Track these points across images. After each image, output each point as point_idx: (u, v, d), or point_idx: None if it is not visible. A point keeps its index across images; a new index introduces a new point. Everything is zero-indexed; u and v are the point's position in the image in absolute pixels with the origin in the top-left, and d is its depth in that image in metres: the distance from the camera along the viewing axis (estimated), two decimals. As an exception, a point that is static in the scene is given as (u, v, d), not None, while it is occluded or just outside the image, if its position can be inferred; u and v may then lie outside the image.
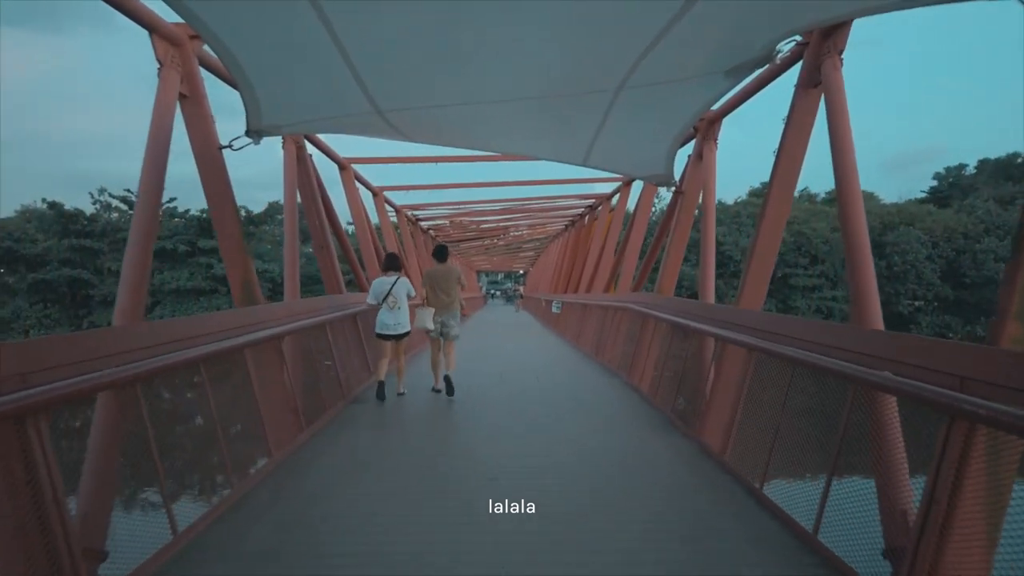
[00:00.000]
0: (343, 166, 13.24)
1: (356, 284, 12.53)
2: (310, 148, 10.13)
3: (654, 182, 9.14)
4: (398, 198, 19.97)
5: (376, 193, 17.23)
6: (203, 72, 6.44)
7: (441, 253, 8.51)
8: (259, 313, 5.91)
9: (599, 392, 8.80)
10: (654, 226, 17.86)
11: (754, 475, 4.72)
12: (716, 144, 9.00)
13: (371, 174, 16.47)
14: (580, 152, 8.53)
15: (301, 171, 9.18)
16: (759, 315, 5.57)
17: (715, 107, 8.50)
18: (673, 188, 9.29)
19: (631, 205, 17.11)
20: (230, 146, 6.16)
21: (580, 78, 6.06)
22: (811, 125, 6.24)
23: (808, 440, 4.28)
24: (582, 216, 24.37)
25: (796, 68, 7.37)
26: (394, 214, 20.81)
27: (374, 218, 18.07)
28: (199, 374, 4.42)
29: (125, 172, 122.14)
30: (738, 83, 6.26)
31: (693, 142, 9.45)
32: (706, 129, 9.04)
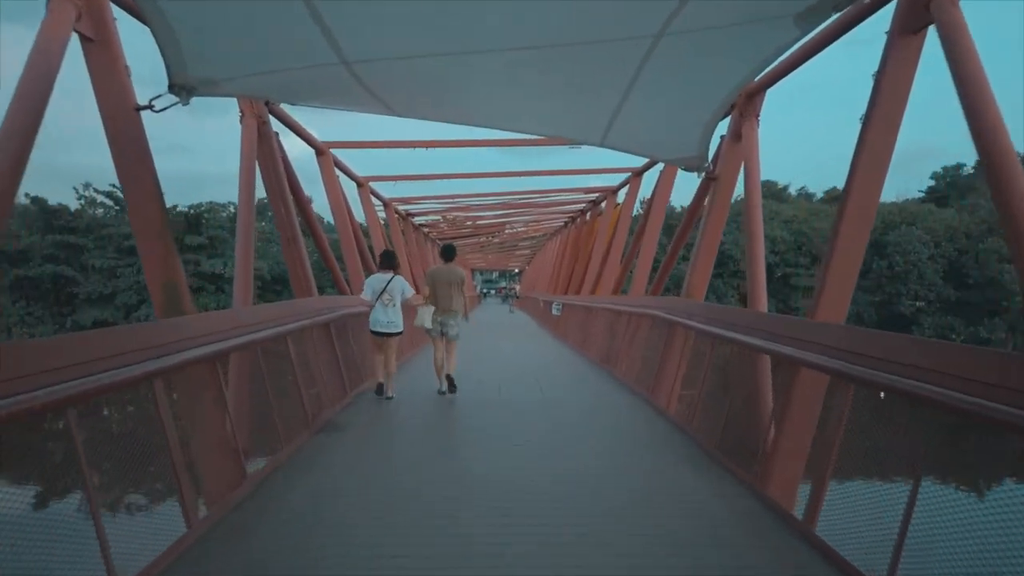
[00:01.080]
0: (321, 151, 11.73)
1: (335, 286, 11.10)
2: (278, 126, 8.66)
3: (683, 166, 7.72)
4: (386, 191, 18.52)
5: (361, 184, 15.67)
6: (119, 13, 4.97)
7: (448, 253, 8.39)
8: (186, 327, 4.45)
9: (616, 411, 7.40)
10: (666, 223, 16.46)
11: (870, 565, 3.31)
12: (758, 121, 7.59)
13: (356, 164, 15.04)
14: (598, 127, 7.10)
15: (264, 150, 7.71)
16: (849, 332, 4.16)
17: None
18: (703, 174, 7.87)
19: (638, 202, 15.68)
20: (150, 106, 4.70)
21: (609, 18, 4.63)
22: (911, 81, 4.83)
23: (974, 530, 2.87)
24: (583, 212, 22.95)
25: (857, 29, 6.01)
26: (382, 208, 19.31)
27: (359, 213, 16.65)
28: (65, 424, 2.97)
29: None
30: (808, 33, 4.86)
31: (727, 120, 8.04)
32: (744, 104, 7.63)
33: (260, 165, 7.84)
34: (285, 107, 8.54)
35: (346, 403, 7.67)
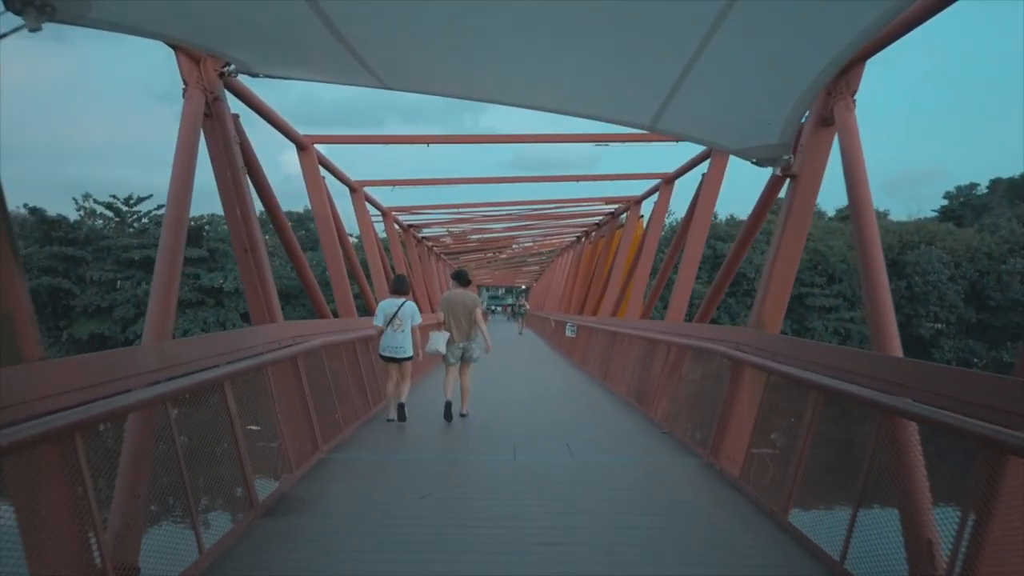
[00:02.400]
0: (302, 145, 9.98)
1: (315, 310, 9.35)
2: (239, 107, 6.93)
3: (755, 159, 5.98)
4: (384, 199, 16.81)
5: (354, 189, 13.88)
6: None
7: (461, 277, 8.36)
8: (17, 385, 2.71)
9: (681, 490, 5.49)
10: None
11: None
12: (854, 102, 5.85)
13: (349, 168, 13.36)
14: (651, 105, 5.37)
15: (215, 134, 5.99)
16: None
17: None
18: (778, 170, 6.15)
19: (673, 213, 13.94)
20: (-20, 35, 2.99)
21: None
22: None
23: None
24: (599, 226, 21.20)
25: None
26: (380, 217, 17.57)
27: (354, 227, 14.95)
28: None
29: (122, 180, 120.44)
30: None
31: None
32: (835, 81, 5.88)
33: (211, 154, 6.12)
34: (247, 83, 6.81)
35: (315, 462, 5.90)
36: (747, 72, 4.96)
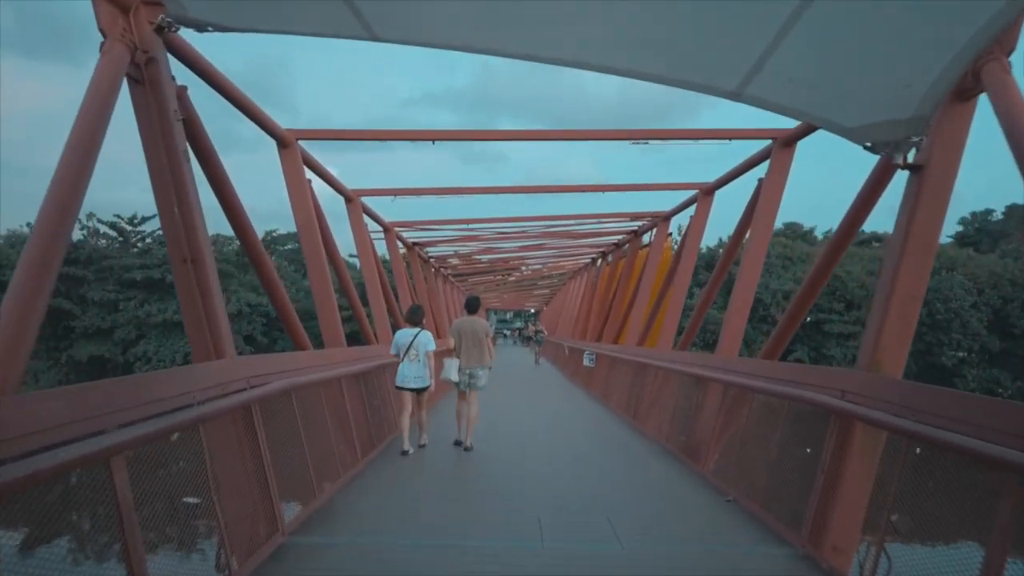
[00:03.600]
0: (285, 142, 8.44)
1: (290, 337, 7.83)
2: (187, 78, 5.42)
3: (871, 141, 4.47)
4: (386, 214, 15.37)
5: (351, 199, 12.35)
6: None
7: (472, 305, 8.54)
8: None
9: None
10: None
11: None
12: (1010, 64, 4.32)
13: (346, 177, 11.91)
14: (741, 62, 3.86)
15: (145, 102, 4.50)
16: None
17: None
18: (902, 158, 4.61)
19: (714, 233, 12.42)
20: None
21: None
22: None
23: None
24: (618, 246, 19.66)
25: None
26: (381, 234, 16.07)
27: (350, 243, 13.48)
28: None
29: (128, 200, 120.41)
30: None
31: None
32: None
33: (141, 132, 4.63)
34: (191, 41, 5.25)
35: (272, 551, 4.29)
36: (881, 18, 3.45)
